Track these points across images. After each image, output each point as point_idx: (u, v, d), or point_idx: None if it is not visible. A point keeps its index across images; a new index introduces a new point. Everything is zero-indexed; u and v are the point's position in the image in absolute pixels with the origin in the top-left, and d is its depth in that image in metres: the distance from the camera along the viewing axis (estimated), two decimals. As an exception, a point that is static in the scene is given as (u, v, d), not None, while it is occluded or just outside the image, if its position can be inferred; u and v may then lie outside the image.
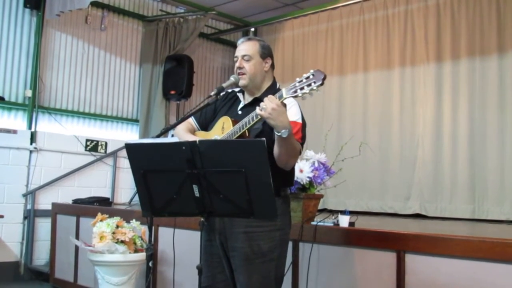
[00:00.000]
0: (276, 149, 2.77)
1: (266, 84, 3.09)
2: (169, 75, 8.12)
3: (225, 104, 3.16)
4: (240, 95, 3.14)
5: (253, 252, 2.84)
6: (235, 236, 2.87)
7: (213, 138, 2.97)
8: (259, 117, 2.71)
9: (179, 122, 3.11)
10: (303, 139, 2.93)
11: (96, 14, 7.76)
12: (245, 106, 3.06)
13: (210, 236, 2.97)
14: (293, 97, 2.66)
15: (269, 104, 2.61)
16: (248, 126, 2.80)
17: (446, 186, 6.72)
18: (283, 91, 2.67)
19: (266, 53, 3.09)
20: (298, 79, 2.65)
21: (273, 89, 3.04)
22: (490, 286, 3.03)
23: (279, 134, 2.64)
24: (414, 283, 3.34)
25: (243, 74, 3.01)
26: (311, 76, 2.61)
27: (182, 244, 3.99)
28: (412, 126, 7.11)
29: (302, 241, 3.88)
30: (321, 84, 2.58)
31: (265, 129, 2.86)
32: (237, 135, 2.84)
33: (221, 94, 3.08)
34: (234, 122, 2.91)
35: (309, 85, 2.60)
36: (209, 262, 2.97)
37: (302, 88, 2.61)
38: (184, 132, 3.13)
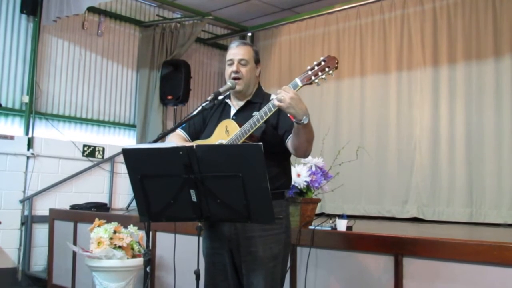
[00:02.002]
0: (295, 140, 2.77)
1: (255, 88, 3.11)
2: (166, 80, 8.13)
3: (214, 112, 3.14)
4: (228, 101, 3.13)
5: (266, 256, 2.85)
6: (249, 241, 2.87)
7: (217, 142, 2.95)
8: (272, 110, 2.73)
9: (174, 128, 3.10)
10: None
11: (93, 19, 7.77)
12: (238, 111, 3.06)
13: (214, 244, 2.97)
14: (308, 84, 2.68)
15: (286, 94, 2.62)
16: (260, 122, 2.78)
17: (444, 190, 6.73)
18: (297, 80, 2.70)
19: (258, 58, 3.12)
20: (309, 67, 2.69)
21: (261, 92, 3.10)
22: (488, 289, 3.04)
23: (301, 121, 2.64)
24: (412, 286, 3.34)
25: (239, 78, 3.00)
26: (322, 63, 2.66)
27: (180, 249, 3.98)
28: (409, 130, 7.12)
29: (300, 246, 3.88)
30: (336, 68, 2.65)
31: (268, 128, 2.88)
32: (247, 135, 2.82)
33: (219, 98, 3.08)
34: (240, 124, 2.89)
35: (323, 70, 2.65)
36: (211, 270, 2.97)
37: (316, 75, 2.66)
38: (180, 142, 3.09)
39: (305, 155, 2.92)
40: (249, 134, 2.82)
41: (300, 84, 2.68)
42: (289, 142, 2.84)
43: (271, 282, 2.86)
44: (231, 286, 2.95)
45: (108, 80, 7.94)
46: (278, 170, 2.91)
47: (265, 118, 2.77)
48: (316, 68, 2.66)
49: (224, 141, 2.92)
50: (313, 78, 2.66)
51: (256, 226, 2.82)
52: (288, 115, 2.77)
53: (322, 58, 2.67)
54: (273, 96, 2.76)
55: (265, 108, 2.76)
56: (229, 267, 2.94)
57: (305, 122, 2.64)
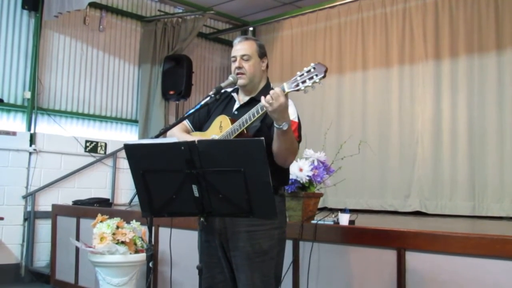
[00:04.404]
0: (275, 146, 2.78)
1: (262, 84, 3.10)
2: (168, 75, 8.12)
3: (219, 104, 3.15)
4: (234, 95, 3.13)
5: (254, 251, 2.85)
6: (236, 235, 2.88)
7: (210, 137, 2.97)
8: (260, 113, 2.73)
9: (177, 122, 3.11)
10: (299, 138, 2.95)
11: (94, 15, 7.76)
12: (241, 106, 3.06)
13: (208, 237, 2.97)
14: (295, 90, 2.66)
15: (279, 98, 2.61)
16: (248, 123, 2.80)
17: (446, 183, 6.73)
18: (285, 85, 2.68)
19: (263, 52, 3.11)
20: (299, 73, 2.66)
21: (268, 89, 3.05)
22: (490, 282, 3.04)
23: (280, 126, 2.65)
24: (415, 280, 3.34)
25: (243, 74, 3.01)
26: (312, 70, 2.62)
27: (182, 244, 3.98)
28: (411, 124, 7.11)
29: (303, 240, 3.88)
30: (323, 77, 2.60)
31: (263, 127, 2.88)
32: (237, 133, 2.84)
33: (221, 92, 3.08)
34: (232, 121, 2.91)
35: (311, 78, 2.61)
36: (208, 263, 2.97)
37: (304, 82, 2.63)
38: (181, 133, 3.12)
39: (285, 165, 2.93)
40: (238, 133, 2.84)
41: (287, 90, 2.66)
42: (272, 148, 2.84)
43: (261, 277, 2.85)
44: (228, 278, 2.97)
45: (110, 76, 7.94)
46: (272, 168, 2.90)
47: (253, 119, 2.78)
48: (305, 74, 2.63)
49: (216, 137, 2.94)
50: (300, 85, 2.63)
51: (244, 221, 2.83)
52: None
53: (312, 64, 2.63)
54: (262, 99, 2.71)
55: (253, 109, 2.77)
56: (223, 260, 2.96)
57: (284, 128, 2.65)
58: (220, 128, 2.96)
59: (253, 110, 2.77)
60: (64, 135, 7.30)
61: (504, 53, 6.46)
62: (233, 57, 3.06)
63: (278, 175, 2.94)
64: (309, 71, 2.63)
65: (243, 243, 2.86)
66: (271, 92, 2.64)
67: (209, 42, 9.32)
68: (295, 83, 2.65)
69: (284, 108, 2.62)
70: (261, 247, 2.86)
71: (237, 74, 3.02)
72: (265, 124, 2.89)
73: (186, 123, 3.21)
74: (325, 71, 2.60)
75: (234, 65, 3.04)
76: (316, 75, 2.60)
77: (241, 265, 2.87)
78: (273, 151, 2.80)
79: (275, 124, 2.68)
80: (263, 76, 3.12)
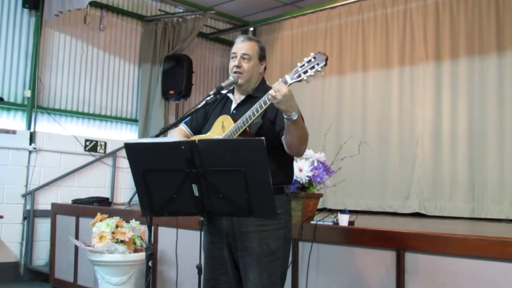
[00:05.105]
0: (288, 137, 2.78)
1: (258, 83, 3.11)
2: (168, 75, 8.12)
3: (216, 106, 3.15)
4: (230, 95, 3.13)
5: (262, 251, 2.85)
6: (245, 235, 2.87)
7: (214, 137, 2.96)
8: (263, 107, 2.73)
9: (176, 123, 3.10)
10: None
11: (94, 14, 7.76)
12: (239, 105, 3.06)
13: (213, 238, 2.97)
14: (297, 81, 2.67)
15: (281, 89, 2.61)
16: (252, 119, 2.80)
17: (446, 185, 6.72)
18: (287, 77, 2.69)
19: (263, 55, 3.12)
20: (299, 64, 2.68)
21: (263, 85, 3.09)
22: (490, 284, 3.04)
23: (290, 117, 2.65)
24: (414, 281, 3.34)
25: (240, 73, 3.01)
26: (312, 59, 2.64)
27: (182, 244, 3.97)
28: (411, 125, 7.11)
29: (302, 240, 3.89)
30: (325, 65, 2.62)
31: (265, 123, 2.88)
32: (240, 131, 2.83)
33: (222, 92, 3.08)
34: (235, 120, 2.90)
35: (313, 67, 2.63)
36: (211, 264, 2.98)
37: (305, 72, 2.65)
38: (181, 138, 3.10)
39: (298, 154, 2.94)
40: (242, 130, 2.83)
41: (289, 81, 2.68)
42: (283, 140, 2.85)
43: (268, 277, 2.86)
44: (231, 280, 2.96)
45: (110, 75, 7.94)
46: (276, 165, 2.88)
47: (257, 115, 2.78)
48: (306, 64, 2.65)
49: (220, 137, 2.93)
50: (302, 75, 2.65)
51: (252, 221, 2.83)
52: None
53: (312, 54, 2.65)
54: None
55: (256, 105, 2.77)
56: (228, 261, 2.95)
57: (294, 118, 2.65)
58: (222, 128, 2.95)
59: (256, 106, 2.77)
60: (64, 134, 7.29)
61: (505, 55, 6.46)
62: (234, 53, 3.05)
63: (282, 173, 2.95)
64: (309, 61, 2.65)
65: (252, 243, 2.86)
66: (273, 85, 2.65)
67: (209, 42, 9.31)
68: (297, 74, 2.67)
69: (289, 97, 2.62)
70: (269, 247, 2.87)
71: (235, 72, 3.02)
72: (267, 119, 2.90)
73: (184, 128, 3.21)
74: (326, 59, 2.62)
75: (233, 62, 3.04)
76: (318, 64, 2.62)
77: (250, 265, 2.86)
78: (286, 142, 2.82)
79: (284, 116, 2.67)
80: (259, 78, 3.13)
